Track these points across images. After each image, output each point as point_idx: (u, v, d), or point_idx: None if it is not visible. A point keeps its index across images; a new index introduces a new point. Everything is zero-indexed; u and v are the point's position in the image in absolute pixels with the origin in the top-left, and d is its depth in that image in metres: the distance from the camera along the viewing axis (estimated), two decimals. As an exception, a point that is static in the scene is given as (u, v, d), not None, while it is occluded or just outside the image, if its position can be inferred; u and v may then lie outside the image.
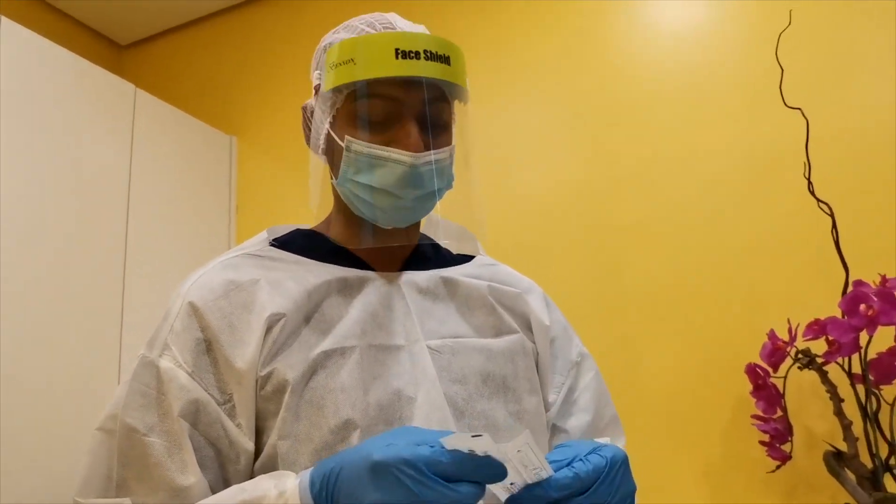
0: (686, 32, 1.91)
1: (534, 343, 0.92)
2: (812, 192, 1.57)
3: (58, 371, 1.77)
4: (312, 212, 0.91)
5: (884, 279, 1.43)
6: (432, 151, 0.79)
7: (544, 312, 0.95)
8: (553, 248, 2.00)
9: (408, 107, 0.79)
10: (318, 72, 0.84)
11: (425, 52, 0.77)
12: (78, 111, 1.94)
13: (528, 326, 0.92)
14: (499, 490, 0.64)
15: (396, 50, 0.77)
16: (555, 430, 0.91)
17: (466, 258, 0.99)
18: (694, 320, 1.80)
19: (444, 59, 0.79)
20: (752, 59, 1.80)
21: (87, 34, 2.74)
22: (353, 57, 0.78)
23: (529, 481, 0.63)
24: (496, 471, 0.60)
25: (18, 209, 1.73)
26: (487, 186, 2.06)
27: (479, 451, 0.59)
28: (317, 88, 0.85)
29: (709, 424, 1.75)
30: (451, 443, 0.60)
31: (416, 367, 0.81)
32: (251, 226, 2.47)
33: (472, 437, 0.59)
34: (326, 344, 0.78)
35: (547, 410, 0.91)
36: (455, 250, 1.01)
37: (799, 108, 1.59)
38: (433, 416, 0.78)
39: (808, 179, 1.58)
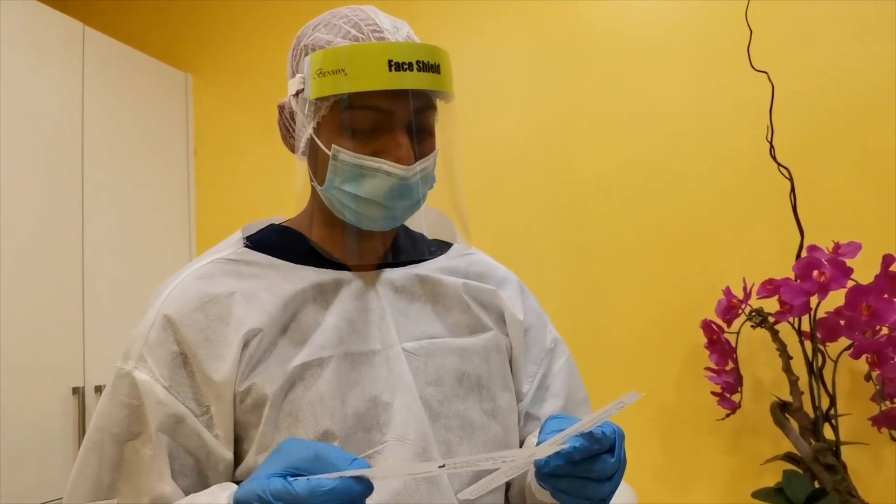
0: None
1: (507, 336, 0.94)
2: (773, 156, 1.60)
3: (20, 307, 1.77)
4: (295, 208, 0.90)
5: (836, 246, 1.49)
6: (419, 162, 0.79)
7: (518, 306, 0.96)
8: (518, 199, 2.01)
9: (398, 118, 0.78)
10: (299, 75, 0.80)
11: (418, 62, 0.75)
12: (25, 53, 1.84)
13: (502, 320, 0.94)
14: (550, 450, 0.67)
15: (390, 62, 0.74)
16: (528, 417, 0.94)
17: (444, 246, 0.99)
18: (653, 274, 1.85)
19: (435, 69, 0.77)
20: (721, 19, 1.78)
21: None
22: (342, 67, 0.75)
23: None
24: (348, 497, 0.60)
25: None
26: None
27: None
28: (297, 92, 0.81)
29: (663, 373, 1.83)
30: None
31: (392, 371, 0.82)
32: (211, 164, 2.42)
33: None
34: (303, 356, 0.79)
35: (520, 401, 0.94)
36: (430, 236, 1.00)
37: (765, 72, 1.60)
38: (410, 420, 0.80)
39: (771, 143, 1.61)
